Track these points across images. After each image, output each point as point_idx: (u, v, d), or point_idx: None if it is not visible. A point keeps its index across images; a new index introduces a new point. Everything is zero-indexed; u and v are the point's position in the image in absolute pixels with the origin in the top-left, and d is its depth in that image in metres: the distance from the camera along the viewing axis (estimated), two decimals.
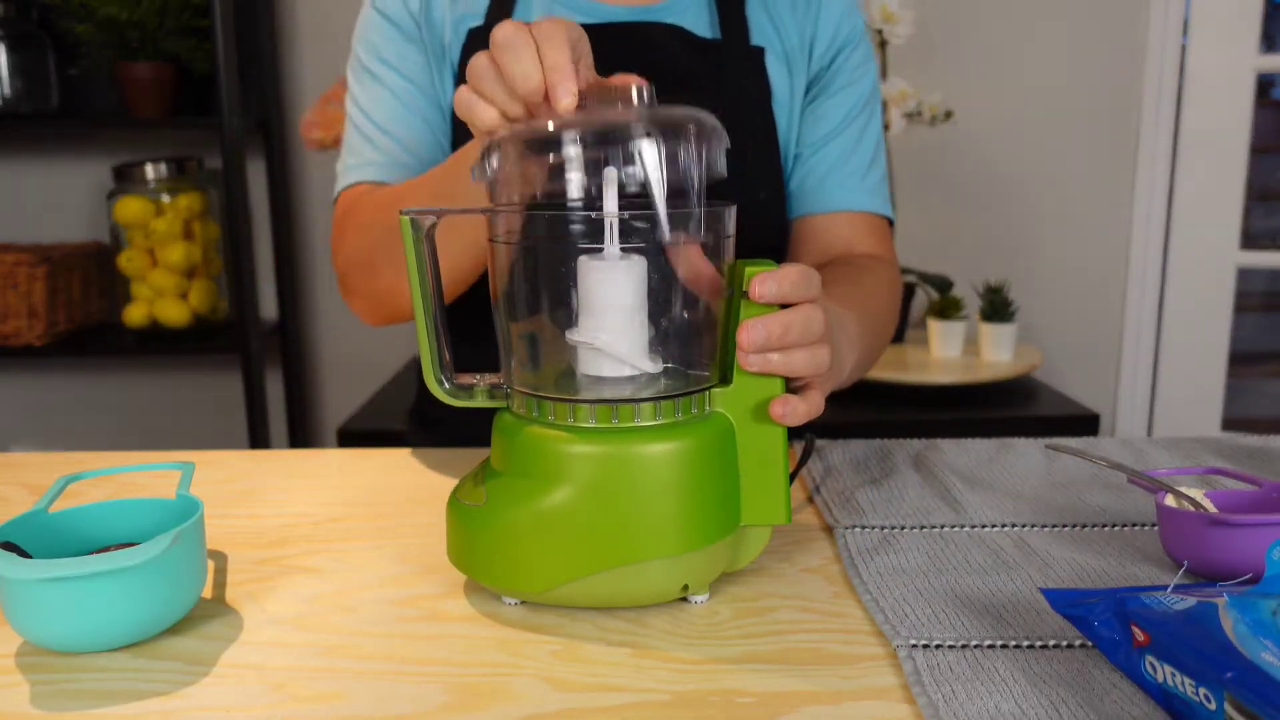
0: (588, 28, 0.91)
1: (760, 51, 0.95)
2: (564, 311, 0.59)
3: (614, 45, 0.92)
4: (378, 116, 0.95)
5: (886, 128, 1.97)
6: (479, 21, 0.94)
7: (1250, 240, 2.17)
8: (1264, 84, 2.15)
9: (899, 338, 2.03)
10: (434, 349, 0.63)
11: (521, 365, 0.61)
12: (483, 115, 0.61)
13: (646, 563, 0.57)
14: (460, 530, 0.60)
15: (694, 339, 0.60)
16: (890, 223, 1.02)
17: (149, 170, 1.97)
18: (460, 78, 0.92)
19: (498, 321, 0.62)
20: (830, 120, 0.99)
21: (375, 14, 0.97)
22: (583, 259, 0.57)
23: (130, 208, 1.96)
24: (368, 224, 0.89)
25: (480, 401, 0.64)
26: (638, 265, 0.57)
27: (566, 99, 0.57)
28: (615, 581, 0.57)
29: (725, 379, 0.61)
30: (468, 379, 0.64)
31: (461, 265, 0.83)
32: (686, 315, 0.59)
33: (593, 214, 0.58)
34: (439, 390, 0.64)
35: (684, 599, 0.61)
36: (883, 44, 1.93)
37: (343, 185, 0.96)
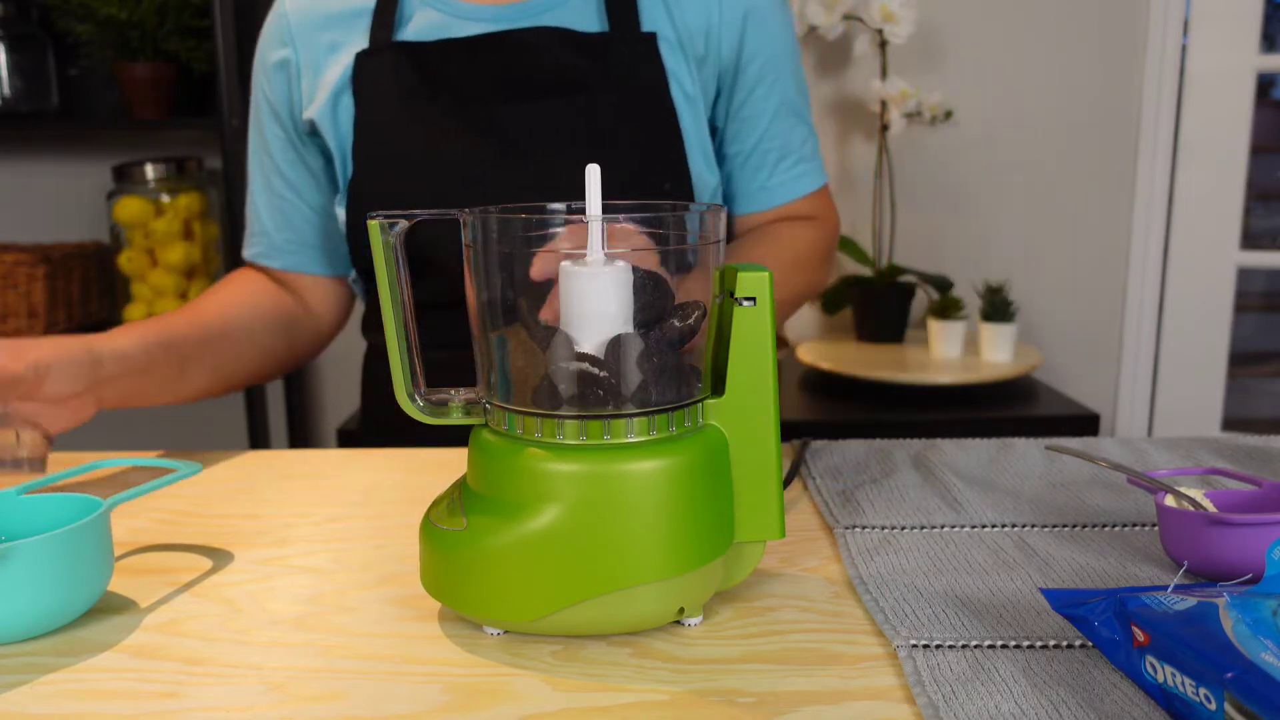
0: (460, 41, 0.93)
1: (652, 38, 0.93)
2: (544, 321, 0.55)
3: (487, 57, 0.92)
4: (259, 200, 1.03)
5: (886, 128, 1.97)
6: (365, 44, 0.94)
7: (1250, 240, 2.17)
8: (1264, 84, 2.15)
9: (899, 338, 2.03)
10: (405, 364, 0.58)
11: (500, 379, 0.57)
12: None
13: (640, 587, 0.54)
14: (437, 557, 0.56)
15: (684, 349, 0.56)
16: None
17: (149, 170, 1.97)
18: (360, 98, 0.94)
19: (474, 333, 0.58)
20: (761, 119, 0.99)
21: (258, 92, 1.01)
22: (565, 265, 0.53)
23: (130, 208, 1.96)
24: None
25: (456, 419, 0.59)
26: (623, 272, 0.53)
27: None
28: (606, 608, 0.54)
29: (717, 390, 0.57)
30: (442, 394, 0.59)
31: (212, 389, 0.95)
32: (676, 324, 0.55)
33: (575, 218, 0.54)
34: (411, 408, 0.59)
35: (678, 622, 0.58)
36: (883, 44, 1.93)
37: (244, 252, 1.06)
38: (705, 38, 0.95)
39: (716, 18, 0.95)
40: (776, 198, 1.00)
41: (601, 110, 0.91)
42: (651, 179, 0.92)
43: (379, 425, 1.06)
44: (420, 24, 0.94)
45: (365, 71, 0.93)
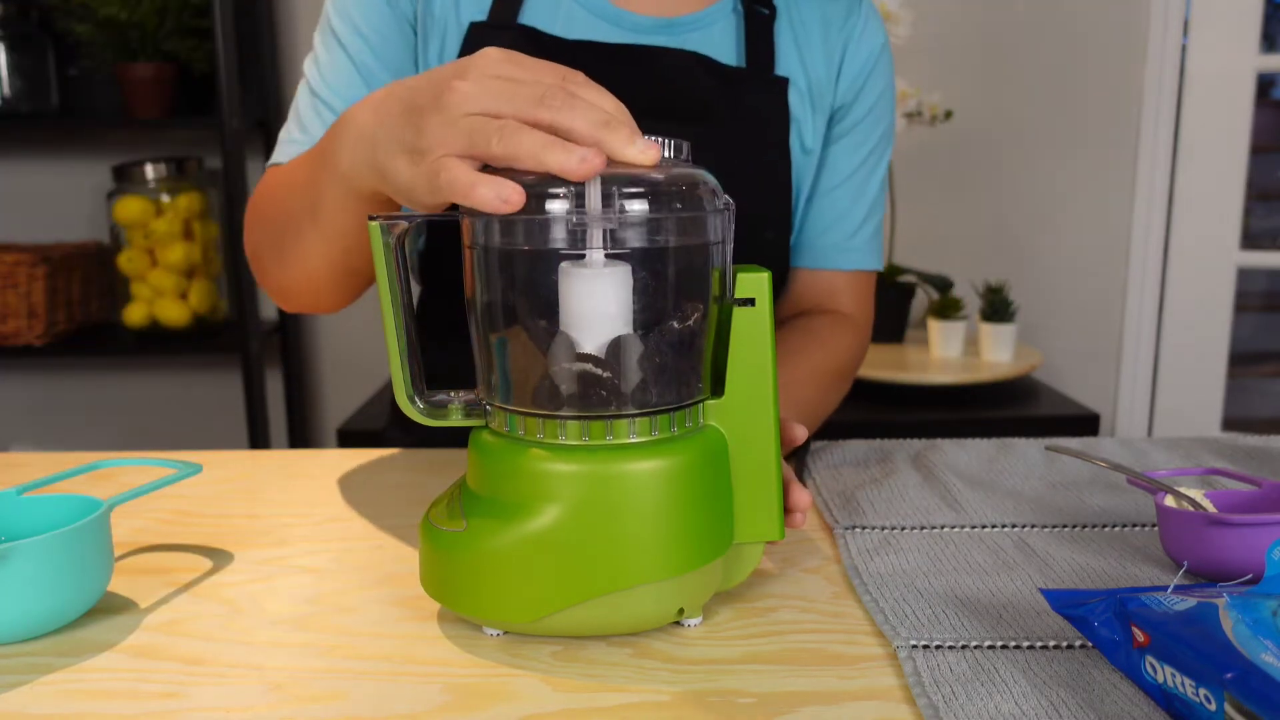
0: (608, 46, 0.88)
1: (784, 83, 0.91)
2: (545, 322, 0.54)
3: (623, 69, 0.87)
4: (336, 87, 0.85)
5: None
6: (483, 16, 0.88)
7: (1250, 240, 2.17)
8: (1264, 84, 2.15)
9: (899, 338, 2.03)
10: (405, 365, 0.58)
11: (500, 380, 0.56)
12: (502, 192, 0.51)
13: (640, 588, 0.54)
14: (437, 558, 0.56)
15: (684, 349, 0.56)
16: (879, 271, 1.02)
17: (149, 170, 1.97)
18: None
19: (474, 333, 0.57)
20: (838, 171, 0.97)
21: None
22: (564, 266, 0.53)
23: (130, 208, 1.96)
24: (260, 215, 0.82)
25: (455, 420, 0.59)
26: (623, 272, 0.53)
27: (651, 152, 0.52)
28: (606, 609, 0.54)
29: (717, 390, 0.57)
30: (442, 396, 0.59)
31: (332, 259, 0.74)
32: (676, 324, 0.55)
33: (577, 217, 0.53)
34: (411, 409, 0.59)
35: (678, 623, 0.58)
36: None
37: (278, 159, 0.85)
38: (831, 84, 0.94)
39: (840, 59, 0.94)
40: (825, 259, 0.97)
41: (720, 145, 0.87)
42: (755, 224, 0.87)
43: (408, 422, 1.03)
44: (554, 11, 0.88)
45: (478, 43, 0.85)
